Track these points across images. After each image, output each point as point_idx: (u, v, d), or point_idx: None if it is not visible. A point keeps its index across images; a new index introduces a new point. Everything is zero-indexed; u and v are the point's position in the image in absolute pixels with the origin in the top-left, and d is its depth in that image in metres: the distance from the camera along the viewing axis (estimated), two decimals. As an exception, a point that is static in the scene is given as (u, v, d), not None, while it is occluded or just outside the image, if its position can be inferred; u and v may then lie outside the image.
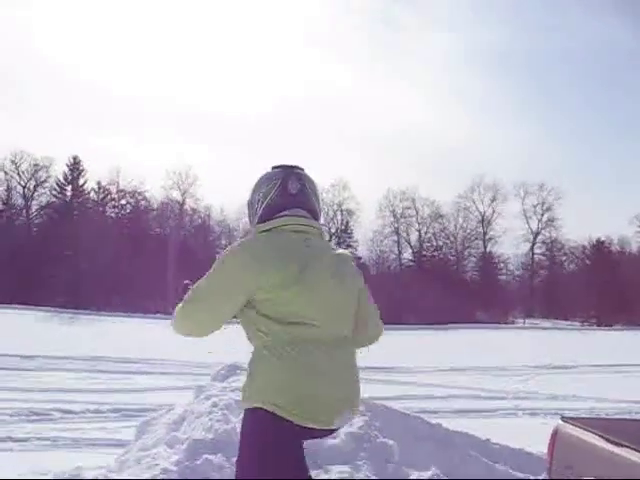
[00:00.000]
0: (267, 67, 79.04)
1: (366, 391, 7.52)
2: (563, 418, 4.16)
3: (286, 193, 2.91)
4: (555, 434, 4.12)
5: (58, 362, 15.84)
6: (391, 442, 4.62)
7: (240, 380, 5.51)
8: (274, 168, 3.02)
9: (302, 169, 3.04)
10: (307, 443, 2.77)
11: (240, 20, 77.28)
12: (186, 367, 16.34)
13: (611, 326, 45.31)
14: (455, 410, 11.78)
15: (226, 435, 4.55)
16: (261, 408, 2.66)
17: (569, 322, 50.28)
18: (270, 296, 2.71)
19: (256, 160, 73.05)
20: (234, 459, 4.06)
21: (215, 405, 5.03)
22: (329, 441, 4.61)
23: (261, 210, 2.94)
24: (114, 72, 75.35)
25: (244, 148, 73.80)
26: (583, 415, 5.07)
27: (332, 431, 2.82)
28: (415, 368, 18.19)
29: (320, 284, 2.75)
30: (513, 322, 49.93)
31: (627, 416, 11.09)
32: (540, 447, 6.92)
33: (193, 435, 4.54)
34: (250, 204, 3.04)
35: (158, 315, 36.00)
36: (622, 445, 3.47)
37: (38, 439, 8.13)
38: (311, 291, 2.72)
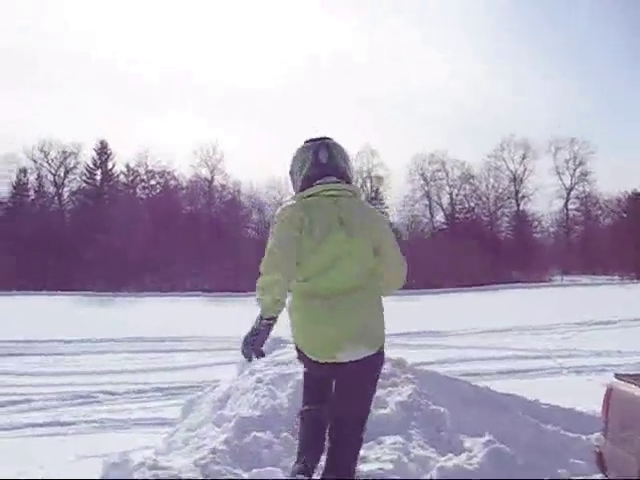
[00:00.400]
0: (285, 37, 78.55)
1: (409, 357, 7.49)
2: (617, 375, 4.02)
3: (318, 163, 3.44)
4: (610, 392, 3.99)
5: (99, 345, 16.02)
6: (442, 409, 4.51)
7: (283, 354, 5.45)
8: (306, 142, 3.55)
9: (330, 139, 3.54)
10: None
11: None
12: (227, 342, 16.34)
13: (651, 279, 44.63)
14: (499, 371, 11.65)
15: (273, 411, 4.48)
16: (295, 345, 3.61)
17: (608, 277, 49.56)
18: (299, 259, 3.33)
19: (282, 132, 73.01)
20: (283, 435, 4.07)
21: (260, 380, 4.95)
22: (379, 411, 4.54)
23: (300, 181, 3.50)
24: (134, 53, 75.43)
25: (269, 121, 73.79)
26: (635, 371, 4.95)
27: (344, 364, 3.37)
28: (455, 331, 18.07)
29: (341, 245, 3.34)
30: (550, 280, 49.34)
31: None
32: (590, 405, 6.82)
33: (240, 412, 4.46)
34: (290, 175, 3.63)
35: (195, 292, 36.30)
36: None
37: (85, 422, 8.22)
38: (331, 251, 3.32)
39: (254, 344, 3.32)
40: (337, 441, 3.41)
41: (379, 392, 4.74)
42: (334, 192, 3.39)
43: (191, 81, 76.02)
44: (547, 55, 79.21)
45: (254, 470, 3.87)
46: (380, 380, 4.96)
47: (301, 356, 3.58)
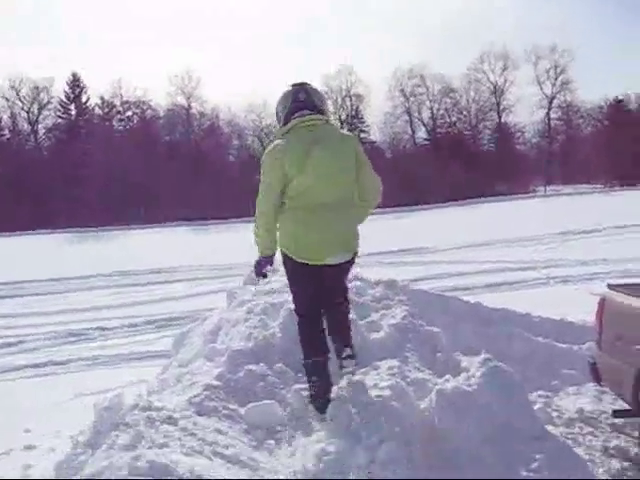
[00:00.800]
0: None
1: (398, 274, 7.45)
2: (610, 285, 4.00)
3: (296, 101, 4.13)
4: (602, 303, 3.98)
5: (88, 281, 15.95)
6: (436, 329, 4.49)
7: (273, 282, 5.37)
8: (289, 87, 4.22)
9: (308, 84, 4.24)
10: (353, 342, 4.18)
11: None
12: (215, 270, 16.38)
13: (634, 185, 44.66)
14: (487, 284, 11.74)
15: (265, 342, 4.41)
16: (282, 250, 4.11)
17: (591, 186, 49.65)
18: (289, 181, 3.97)
19: (258, 54, 71.62)
20: (277, 366, 4.05)
21: (250, 311, 4.84)
22: (373, 335, 4.51)
23: (283, 117, 4.17)
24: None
25: (244, 43, 72.06)
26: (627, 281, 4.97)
27: (332, 266, 4.00)
28: (442, 246, 18.11)
29: (320, 163, 3.94)
30: (534, 191, 49.40)
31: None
32: (578, 315, 6.88)
33: (231, 345, 4.39)
34: (276, 114, 4.29)
35: (180, 222, 36.07)
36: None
37: (78, 359, 8.23)
38: (313, 170, 3.92)
39: (257, 270, 4.24)
40: (336, 327, 4.14)
41: (373, 316, 4.71)
42: (308, 122, 4.05)
43: (163, 6, 73.74)
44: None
45: (250, 404, 3.84)
46: (373, 303, 4.96)
47: (288, 261, 4.09)
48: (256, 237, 4.18)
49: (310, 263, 3.97)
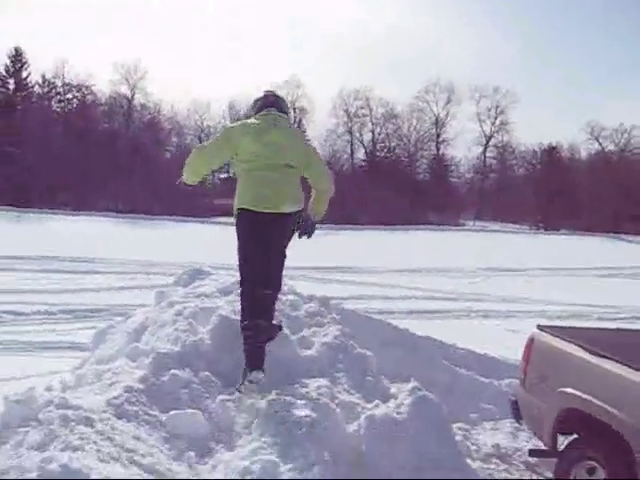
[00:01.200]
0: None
1: (324, 291, 7.44)
2: (539, 326, 4.06)
3: (268, 100, 5.08)
4: (531, 343, 4.02)
5: (7, 262, 15.29)
6: (369, 353, 4.45)
7: (205, 285, 5.26)
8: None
9: (277, 92, 5.34)
10: (283, 357, 4.41)
11: None
12: (139, 266, 16.05)
13: (558, 230, 46.11)
14: (411, 311, 11.84)
15: (193, 348, 4.24)
16: (238, 207, 4.75)
17: (517, 226, 51.02)
18: (243, 149, 4.79)
19: (210, 56, 71.08)
20: (203, 374, 3.94)
21: (179, 313, 4.66)
22: (304, 352, 4.43)
23: (255, 112, 5.05)
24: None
25: (195, 44, 71.42)
26: (558, 323, 5.05)
27: (281, 214, 4.65)
28: (370, 268, 18.22)
29: (271, 137, 4.79)
30: (463, 224, 50.44)
31: (587, 321, 11.33)
32: (498, 350, 7.01)
33: (157, 347, 4.21)
34: (250, 110, 5.24)
35: (108, 213, 35.30)
36: (605, 357, 3.37)
37: (-12, 343, 7.88)
38: (265, 141, 4.76)
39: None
40: (272, 272, 4.59)
41: (305, 331, 4.66)
42: (274, 114, 4.96)
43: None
44: (478, 2, 79.17)
45: (172, 412, 3.69)
46: (305, 319, 4.90)
47: (243, 215, 4.69)
48: (187, 166, 5.04)
49: (266, 211, 4.59)
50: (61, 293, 11.92)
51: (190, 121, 54.60)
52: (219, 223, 35.85)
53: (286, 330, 4.48)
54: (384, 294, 13.53)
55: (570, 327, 4.17)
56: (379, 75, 76.53)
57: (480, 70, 79.95)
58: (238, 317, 4.41)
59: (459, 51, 75.05)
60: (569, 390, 3.44)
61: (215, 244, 23.09)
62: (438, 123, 58.30)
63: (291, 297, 5.12)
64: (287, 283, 5.22)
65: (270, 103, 5.02)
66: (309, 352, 4.43)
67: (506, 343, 8.60)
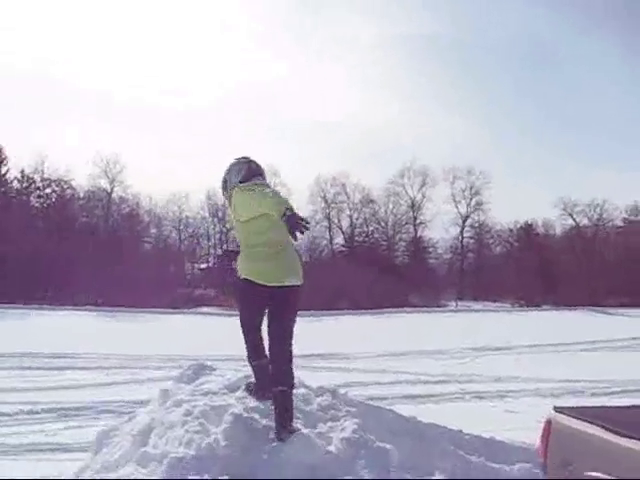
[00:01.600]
0: (197, 59, 77.33)
1: (316, 379, 7.28)
2: (556, 408, 3.94)
3: (251, 169, 5.25)
4: (548, 426, 3.90)
5: (-15, 360, 14.99)
6: (388, 446, 4.25)
7: (211, 382, 5.07)
8: (238, 158, 5.36)
9: (253, 159, 5.38)
10: (305, 459, 4.21)
11: (170, 12, 75.45)
12: (122, 360, 15.74)
13: (539, 307, 46.30)
14: (404, 396, 11.64)
15: (208, 450, 3.94)
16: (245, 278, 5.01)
17: (498, 304, 51.14)
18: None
19: (185, 148, 72.03)
20: (223, 479, 3.72)
21: (189, 413, 4.37)
22: (325, 449, 4.23)
23: (239, 179, 5.16)
24: (40, 53, 72.43)
25: (173, 137, 72.40)
26: (573, 404, 4.93)
27: (280, 287, 4.88)
28: (355, 354, 18.05)
29: (258, 224, 4.93)
30: (445, 305, 50.45)
31: (584, 398, 11.25)
32: (502, 433, 6.84)
33: (169, 451, 3.95)
34: (227, 181, 5.31)
35: (88, 307, 34.91)
36: (629, 436, 3.27)
37: (-29, 446, 7.55)
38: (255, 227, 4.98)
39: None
40: (278, 353, 4.76)
41: (320, 427, 4.46)
42: (259, 183, 5.10)
43: (95, 89, 73.67)
44: (448, 87, 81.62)
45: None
46: (319, 413, 4.72)
47: (248, 287, 4.94)
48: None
49: (269, 285, 4.88)
50: (44, 390, 11.59)
51: (169, 212, 54.81)
52: (201, 313, 35.62)
53: (301, 426, 4.29)
54: (374, 380, 13.33)
55: (586, 407, 4.06)
56: (355, 161, 77.80)
57: (453, 152, 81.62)
58: (252, 415, 4.24)
59: (432, 135, 76.71)
60: (597, 475, 3.31)
61: (199, 335, 22.94)
62: (414, 206, 59.01)
63: (302, 390, 4.95)
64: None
65: (255, 171, 5.22)
66: (329, 448, 4.20)
67: (506, 425, 8.46)
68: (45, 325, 25.22)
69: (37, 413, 9.54)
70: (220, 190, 5.43)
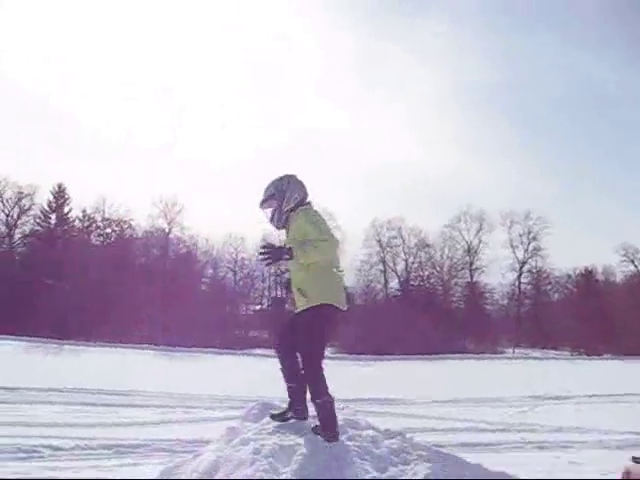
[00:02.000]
0: (261, 104, 78.86)
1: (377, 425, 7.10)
2: (635, 458, 3.75)
3: (306, 193, 5.35)
4: (628, 474, 3.71)
5: (43, 394, 15.22)
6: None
7: (274, 420, 5.00)
8: (290, 175, 5.39)
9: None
10: None
11: (233, 60, 77.45)
12: (177, 399, 15.80)
13: (600, 355, 45.03)
14: (461, 444, 11.29)
15: None
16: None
17: (557, 351, 49.96)
18: None
19: (242, 193, 73.03)
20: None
21: (257, 452, 4.27)
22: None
23: (299, 198, 5.26)
24: (98, 106, 74.85)
25: (230, 181, 73.59)
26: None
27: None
28: (410, 400, 17.75)
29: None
30: (502, 352, 49.49)
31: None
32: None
33: None
34: (291, 193, 5.27)
35: (144, 345, 35.29)
36: None
37: (27, 480, 7.59)
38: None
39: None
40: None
41: (391, 470, 4.32)
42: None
43: (155, 135, 75.58)
44: (506, 131, 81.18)
45: None
46: (390, 456, 4.58)
47: (332, 314, 5.05)
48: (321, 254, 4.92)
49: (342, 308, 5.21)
50: (99, 427, 11.66)
51: (225, 254, 55.42)
52: (255, 355, 35.61)
53: (372, 469, 4.15)
54: (431, 426, 13.04)
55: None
56: (411, 205, 77.67)
57: (511, 197, 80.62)
58: (321, 456, 4.12)
59: (489, 179, 76.19)
60: None
61: (253, 376, 22.90)
62: (470, 251, 58.47)
63: (371, 432, 4.82)
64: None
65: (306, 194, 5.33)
66: None
67: (571, 477, 8.16)
68: (102, 362, 25.57)
69: (93, 449, 9.57)
70: (263, 201, 5.34)
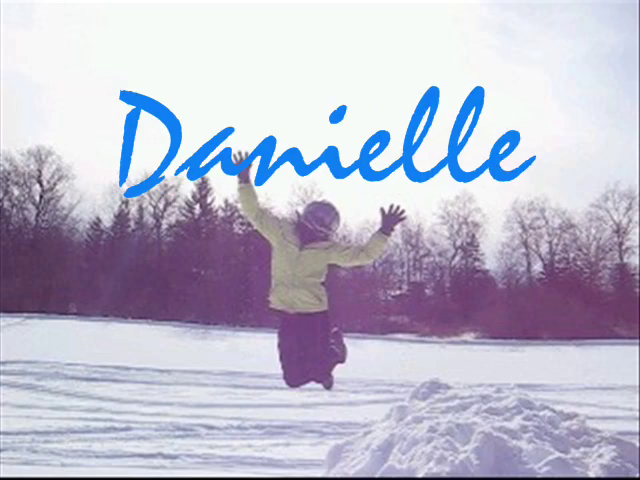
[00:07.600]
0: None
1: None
2: None
3: None
4: None
5: (195, 376, 15.78)
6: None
7: (447, 400, 4.85)
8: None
9: None
10: None
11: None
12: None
13: None
14: (620, 433, 10.65)
15: (462, 468, 3.81)
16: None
17: None
18: None
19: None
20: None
21: (434, 430, 4.22)
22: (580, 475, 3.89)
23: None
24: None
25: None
26: None
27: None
28: (561, 386, 17.01)
29: None
30: (659, 337, 46.69)
31: None
32: None
33: (416, 466, 3.83)
34: (335, 221, 6.00)
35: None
36: None
37: (188, 456, 7.86)
38: None
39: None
40: None
41: (573, 452, 4.09)
42: None
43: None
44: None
45: None
46: (570, 438, 4.34)
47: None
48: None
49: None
50: (250, 408, 11.95)
51: (363, 240, 55.53)
52: (396, 340, 35.48)
53: (553, 449, 3.94)
54: (584, 414, 12.35)
55: None
56: (553, 185, 74.66)
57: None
58: (500, 435, 3.97)
59: (636, 155, 71.92)
60: None
61: (396, 360, 22.77)
62: (620, 231, 55.41)
63: (548, 413, 4.59)
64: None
65: None
66: (590, 474, 3.83)
67: None
68: (248, 346, 26.26)
69: (245, 429, 9.81)
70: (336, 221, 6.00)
